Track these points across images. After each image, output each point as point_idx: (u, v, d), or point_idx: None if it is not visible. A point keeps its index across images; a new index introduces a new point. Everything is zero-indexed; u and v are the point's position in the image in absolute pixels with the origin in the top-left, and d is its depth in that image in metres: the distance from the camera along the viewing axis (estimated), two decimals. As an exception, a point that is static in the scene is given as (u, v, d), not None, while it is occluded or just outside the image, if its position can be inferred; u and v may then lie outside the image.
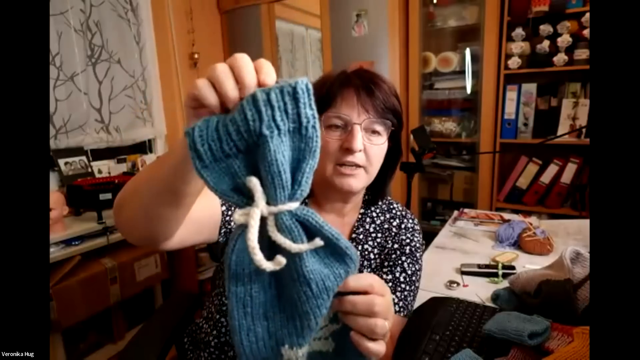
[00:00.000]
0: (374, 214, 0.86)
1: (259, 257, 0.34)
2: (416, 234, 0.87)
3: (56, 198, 1.73)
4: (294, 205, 0.36)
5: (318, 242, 0.36)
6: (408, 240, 0.84)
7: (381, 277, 0.73)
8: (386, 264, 0.82)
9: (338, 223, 0.81)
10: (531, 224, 1.30)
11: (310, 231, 0.36)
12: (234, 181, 0.36)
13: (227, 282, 0.37)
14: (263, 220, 0.36)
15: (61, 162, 2.06)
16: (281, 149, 0.34)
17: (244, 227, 0.36)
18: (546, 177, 2.16)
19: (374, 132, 0.73)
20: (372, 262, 0.81)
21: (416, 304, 0.83)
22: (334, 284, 0.37)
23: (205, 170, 0.35)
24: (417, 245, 0.85)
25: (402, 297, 0.80)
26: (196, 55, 2.64)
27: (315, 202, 0.80)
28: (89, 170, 2.17)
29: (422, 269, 0.85)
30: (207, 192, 0.40)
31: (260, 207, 0.35)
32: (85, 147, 2.20)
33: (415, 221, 0.89)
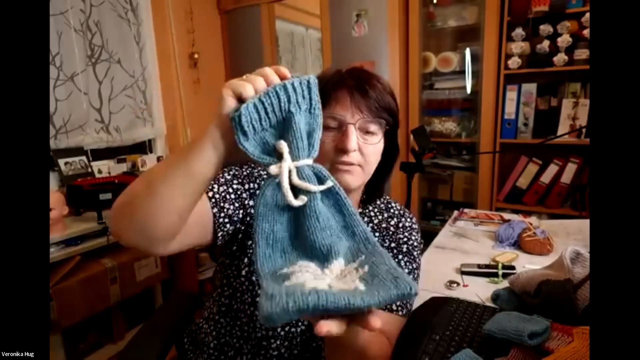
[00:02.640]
0: (372, 213, 0.86)
1: (290, 195, 0.47)
2: (414, 233, 0.86)
3: (56, 198, 1.73)
4: (310, 161, 0.50)
5: (329, 183, 0.49)
6: (405, 239, 0.84)
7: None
8: None
9: None
10: (531, 224, 1.30)
11: (321, 180, 0.49)
12: (264, 148, 0.50)
13: (255, 221, 0.48)
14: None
15: (61, 162, 2.06)
16: (301, 122, 0.50)
17: (273, 178, 0.48)
18: (546, 177, 2.16)
19: (369, 132, 0.73)
20: None
21: (416, 304, 0.83)
22: (333, 224, 0.49)
23: (246, 142, 0.48)
24: (415, 244, 0.85)
25: None
26: (196, 55, 2.64)
27: None
28: (89, 170, 2.17)
29: (420, 268, 0.85)
30: None
31: (288, 161, 0.48)
32: (85, 147, 2.20)
33: (414, 220, 0.89)
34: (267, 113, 0.49)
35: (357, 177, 0.74)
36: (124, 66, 2.35)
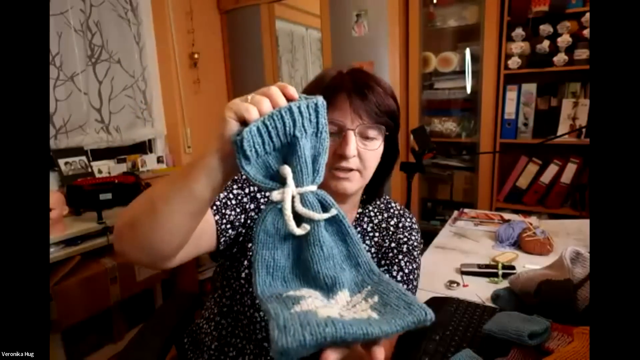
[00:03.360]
0: (372, 214, 0.86)
1: (292, 224, 0.46)
2: (414, 233, 0.86)
3: (56, 198, 1.73)
4: (314, 188, 0.48)
5: (333, 211, 0.47)
6: (405, 239, 0.84)
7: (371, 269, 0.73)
8: (383, 262, 0.82)
9: None
10: (531, 224, 1.30)
11: (325, 207, 0.48)
12: (267, 172, 0.48)
13: (255, 247, 0.47)
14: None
15: (61, 162, 2.06)
16: (306, 147, 0.47)
17: (274, 204, 0.47)
18: (546, 177, 2.16)
19: (368, 137, 0.73)
20: None
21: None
22: (336, 252, 0.48)
23: (248, 166, 0.46)
24: (415, 244, 0.85)
25: None
26: (196, 55, 2.64)
27: None
28: (89, 170, 2.17)
29: (420, 267, 0.85)
30: None
31: (292, 188, 0.46)
32: (85, 147, 2.20)
33: (414, 220, 0.89)
34: (271, 137, 0.46)
35: (355, 183, 0.74)
36: (124, 66, 2.35)
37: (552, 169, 2.14)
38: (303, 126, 0.47)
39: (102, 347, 1.97)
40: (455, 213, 1.64)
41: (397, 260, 0.81)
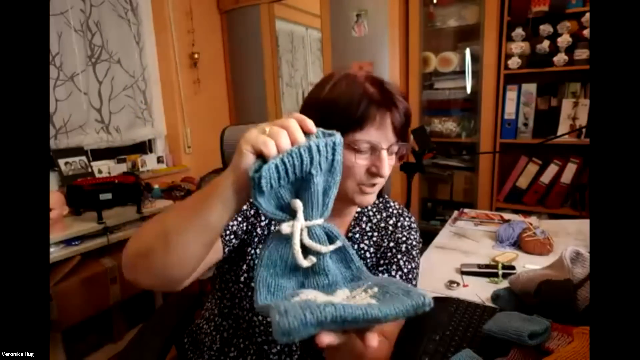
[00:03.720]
0: (371, 213, 0.86)
1: (300, 257, 0.47)
2: (413, 232, 0.86)
3: (56, 198, 1.73)
4: (322, 221, 0.49)
5: (338, 243, 0.49)
6: (404, 238, 0.84)
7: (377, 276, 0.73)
8: (382, 262, 0.82)
9: (336, 223, 0.81)
10: (531, 224, 1.30)
11: (330, 238, 0.49)
12: (278, 202, 0.49)
13: (258, 267, 0.48)
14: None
15: (61, 162, 2.06)
16: (320, 183, 0.48)
17: (280, 235, 0.48)
18: (546, 177, 2.16)
19: (392, 153, 0.73)
20: (368, 260, 0.81)
21: (416, 304, 0.82)
22: (340, 279, 0.50)
23: (261, 197, 0.46)
24: (414, 243, 0.85)
25: None
26: (196, 55, 2.64)
27: None
28: (89, 170, 2.17)
29: (419, 267, 0.85)
30: None
31: (301, 221, 0.48)
32: (85, 147, 2.20)
33: (412, 219, 0.88)
34: (287, 173, 0.46)
35: (375, 195, 0.76)
36: (124, 66, 2.35)
37: (552, 169, 2.14)
38: (319, 164, 0.47)
39: (102, 347, 1.97)
40: (455, 213, 1.64)
41: (395, 259, 0.81)
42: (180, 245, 0.51)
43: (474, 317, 0.83)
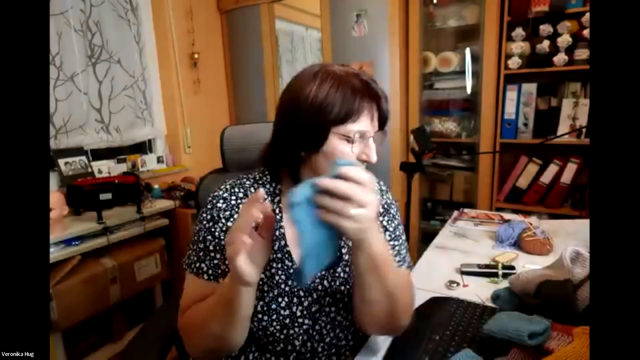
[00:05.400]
0: None
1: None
2: (384, 194, 0.90)
3: (56, 198, 1.73)
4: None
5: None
6: (381, 201, 0.88)
7: None
8: None
9: None
10: (531, 224, 1.30)
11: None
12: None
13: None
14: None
15: (61, 162, 2.06)
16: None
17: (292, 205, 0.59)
18: (546, 177, 2.16)
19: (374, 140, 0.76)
20: None
21: (416, 304, 0.83)
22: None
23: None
24: (388, 201, 0.88)
25: (396, 252, 0.84)
26: (196, 55, 2.64)
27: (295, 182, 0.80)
28: (89, 170, 2.17)
29: (401, 223, 0.89)
30: None
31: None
32: (85, 147, 2.20)
33: (381, 183, 0.91)
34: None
35: None
36: (124, 66, 2.35)
37: (552, 169, 2.14)
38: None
39: (102, 347, 1.97)
40: (455, 213, 1.64)
41: (379, 221, 0.83)
42: (232, 335, 0.68)
43: (474, 317, 0.83)
